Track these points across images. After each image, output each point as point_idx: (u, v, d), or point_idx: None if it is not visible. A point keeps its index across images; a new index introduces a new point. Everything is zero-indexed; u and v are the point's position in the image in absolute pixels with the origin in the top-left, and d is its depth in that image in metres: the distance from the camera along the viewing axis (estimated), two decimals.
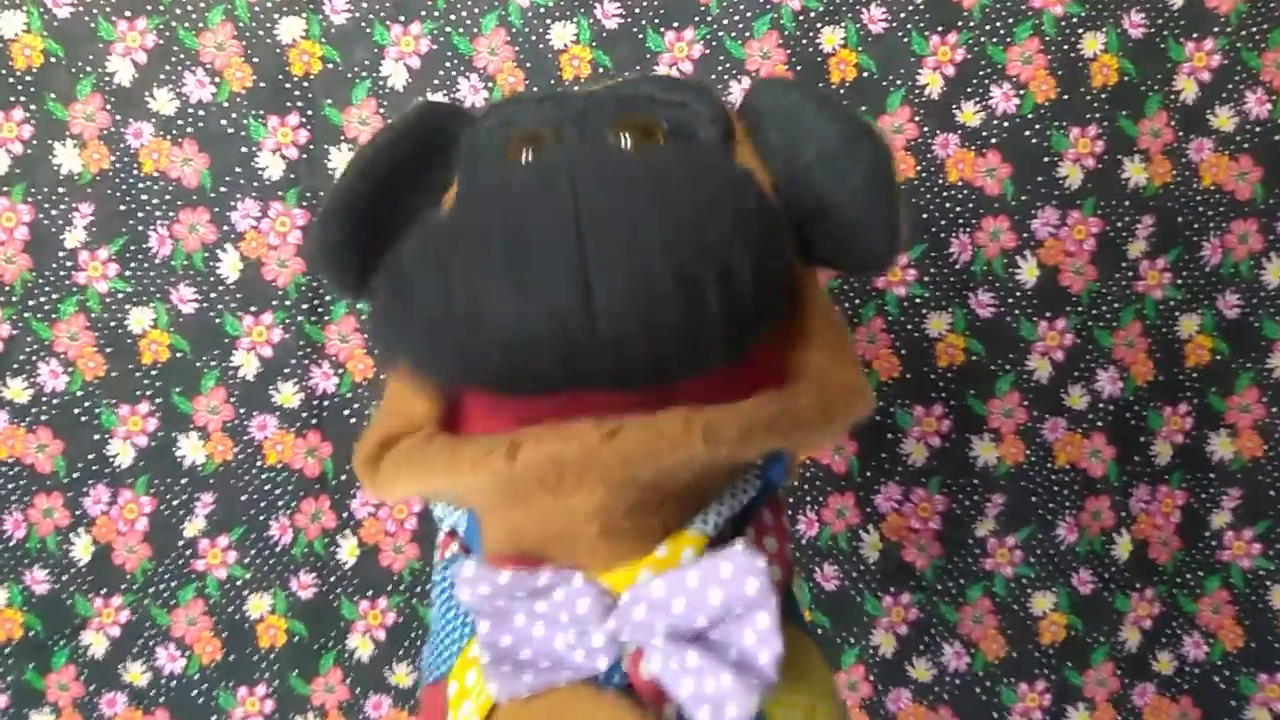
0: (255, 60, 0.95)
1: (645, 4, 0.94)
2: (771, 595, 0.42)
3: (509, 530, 0.47)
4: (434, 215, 0.46)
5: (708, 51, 0.95)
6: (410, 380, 0.48)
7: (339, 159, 0.95)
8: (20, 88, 0.93)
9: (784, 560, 0.51)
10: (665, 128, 0.51)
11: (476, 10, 0.95)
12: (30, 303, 0.95)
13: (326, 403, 0.97)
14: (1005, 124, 0.95)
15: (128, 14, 0.93)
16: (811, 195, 0.50)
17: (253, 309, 0.96)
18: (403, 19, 0.95)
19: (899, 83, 0.95)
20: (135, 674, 0.98)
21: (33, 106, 0.93)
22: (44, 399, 0.95)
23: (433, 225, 0.44)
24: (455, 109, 0.59)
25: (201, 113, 0.95)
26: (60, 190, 0.94)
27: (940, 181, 0.96)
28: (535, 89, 0.95)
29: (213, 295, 0.96)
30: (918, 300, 0.97)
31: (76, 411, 0.95)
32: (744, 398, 0.43)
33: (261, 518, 0.97)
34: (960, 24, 0.94)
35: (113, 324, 0.95)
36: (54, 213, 0.94)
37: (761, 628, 0.42)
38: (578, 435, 0.40)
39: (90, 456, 0.96)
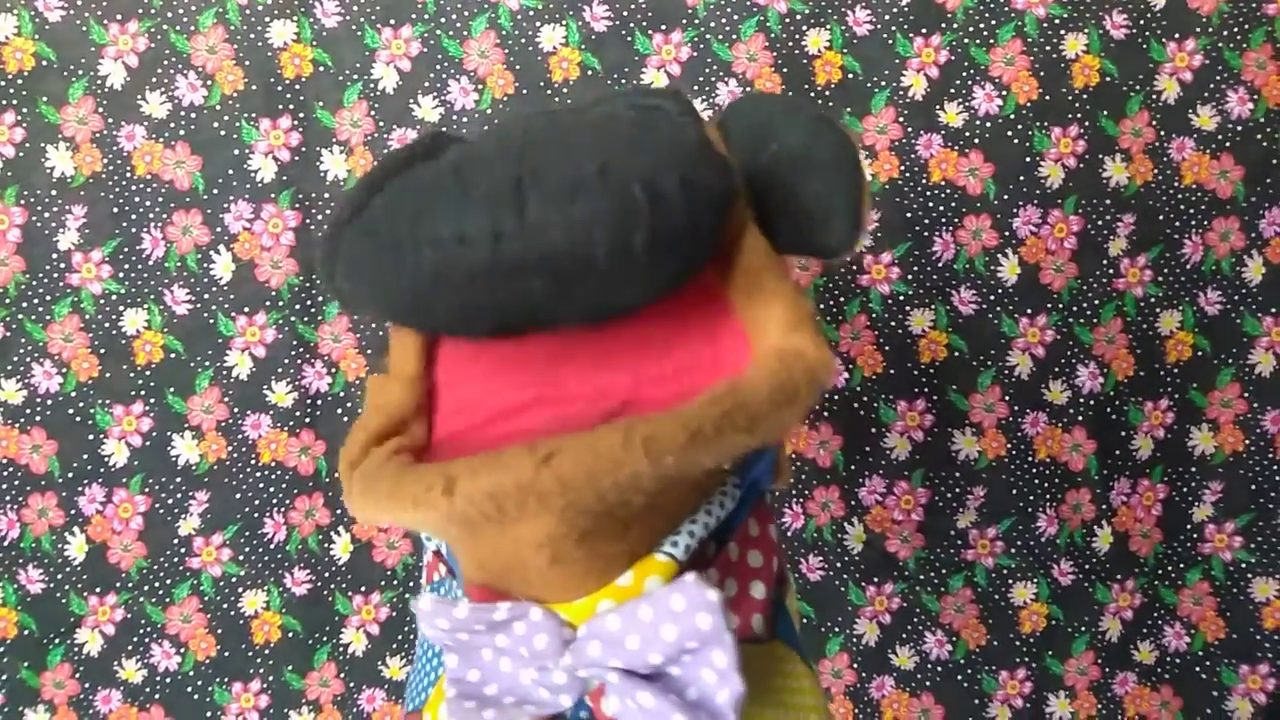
0: (247, 63, 0.86)
1: (633, 7, 0.86)
2: (727, 631, 0.36)
3: (473, 559, 0.41)
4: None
5: (695, 54, 0.86)
6: (395, 352, 0.45)
7: (331, 161, 0.86)
8: (12, 91, 0.85)
9: (770, 574, 0.44)
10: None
11: (466, 13, 0.86)
12: (24, 304, 0.86)
13: (320, 402, 0.89)
14: (988, 124, 0.87)
15: (119, 17, 0.85)
16: (777, 183, 0.46)
17: (246, 309, 0.88)
18: (393, 22, 0.86)
19: (883, 84, 0.87)
20: (130, 671, 0.89)
21: (25, 110, 0.85)
22: (38, 400, 0.86)
23: (399, 178, 0.41)
24: (463, 139, 0.52)
25: (194, 115, 0.86)
26: (53, 193, 0.86)
27: (924, 181, 0.88)
28: (524, 91, 0.86)
29: (206, 296, 0.87)
30: (901, 297, 0.90)
31: (70, 412, 0.87)
32: (713, 370, 0.39)
33: (256, 515, 0.89)
34: (944, 26, 0.86)
35: (106, 325, 0.87)
36: (47, 215, 0.86)
37: (720, 666, 0.36)
38: (512, 464, 0.34)
39: (85, 456, 0.88)
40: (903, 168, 0.87)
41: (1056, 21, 0.86)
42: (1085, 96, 0.86)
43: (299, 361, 0.88)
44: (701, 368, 0.40)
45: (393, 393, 0.43)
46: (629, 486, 0.35)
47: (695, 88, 0.86)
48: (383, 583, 0.90)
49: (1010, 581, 0.92)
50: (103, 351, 0.87)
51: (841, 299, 0.89)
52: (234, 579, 0.89)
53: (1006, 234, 0.88)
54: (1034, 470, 0.91)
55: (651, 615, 0.36)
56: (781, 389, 0.37)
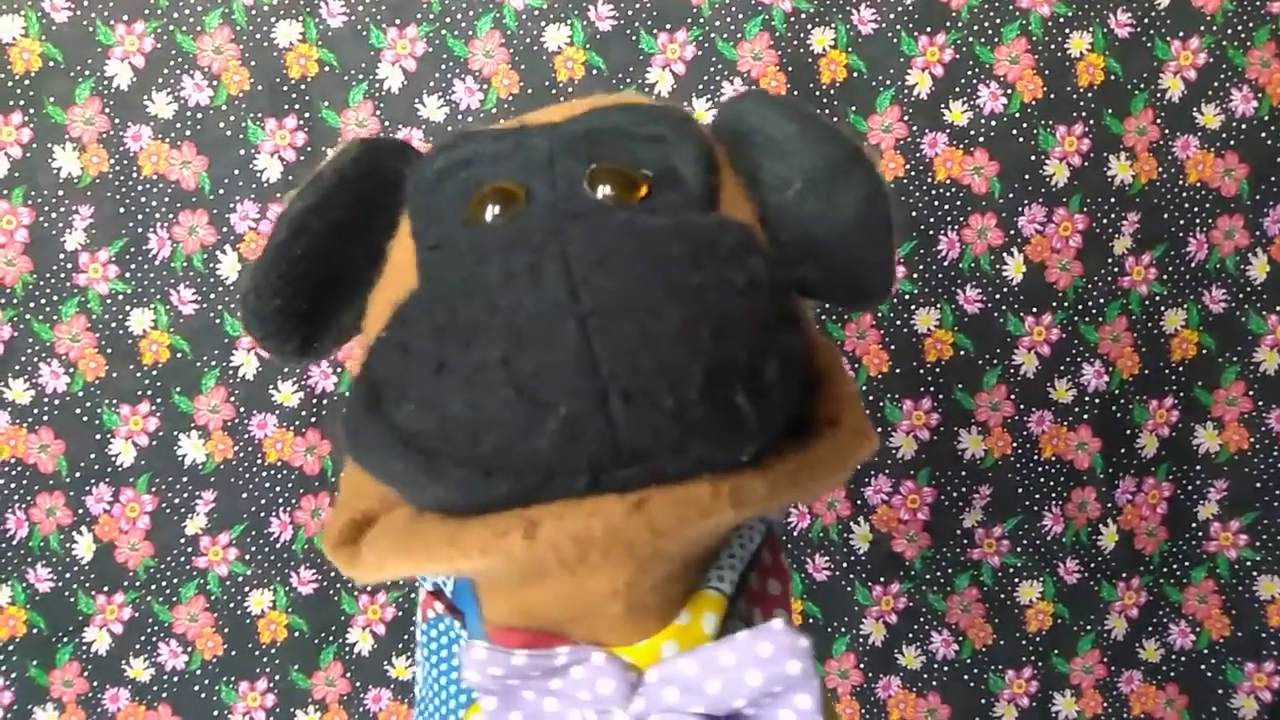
0: (253, 63, 0.87)
1: (638, 6, 0.87)
2: (814, 676, 0.36)
3: (519, 607, 0.39)
4: (404, 303, 0.36)
5: (700, 53, 0.88)
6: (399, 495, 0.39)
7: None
8: (19, 91, 0.86)
9: (788, 601, 0.45)
10: (647, 176, 0.41)
11: (471, 13, 0.87)
12: (31, 304, 0.88)
13: (325, 401, 0.90)
14: (993, 123, 0.88)
15: (125, 18, 0.86)
16: (800, 229, 0.42)
17: None
18: (398, 22, 0.87)
19: (888, 83, 0.88)
20: (138, 670, 0.91)
21: (31, 110, 0.86)
22: (45, 399, 0.88)
23: (408, 316, 0.35)
24: (395, 145, 0.48)
25: (200, 116, 0.87)
26: (60, 193, 0.87)
27: (929, 180, 0.89)
28: (529, 91, 0.86)
29: (212, 296, 0.89)
30: (906, 296, 0.91)
31: (78, 412, 0.88)
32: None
33: (262, 515, 0.91)
34: (949, 24, 0.87)
35: (113, 325, 0.88)
36: (54, 215, 0.87)
37: (802, 708, 0.36)
38: (601, 510, 0.33)
39: (92, 456, 0.89)
40: (908, 166, 0.88)
41: (1061, 20, 0.86)
42: (1090, 95, 0.87)
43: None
44: None
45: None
46: (709, 533, 0.35)
47: (700, 87, 0.87)
48: (389, 583, 0.91)
49: (1016, 580, 0.93)
50: (109, 351, 0.88)
51: None
52: (240, 578, 0.90)
53: (1011, 233, 0.89)
54: (1040, 469, 0.92)
55: (734, 660, 0.36)
56: (838, 456, 0.38)
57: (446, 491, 0.34)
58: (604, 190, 0.40)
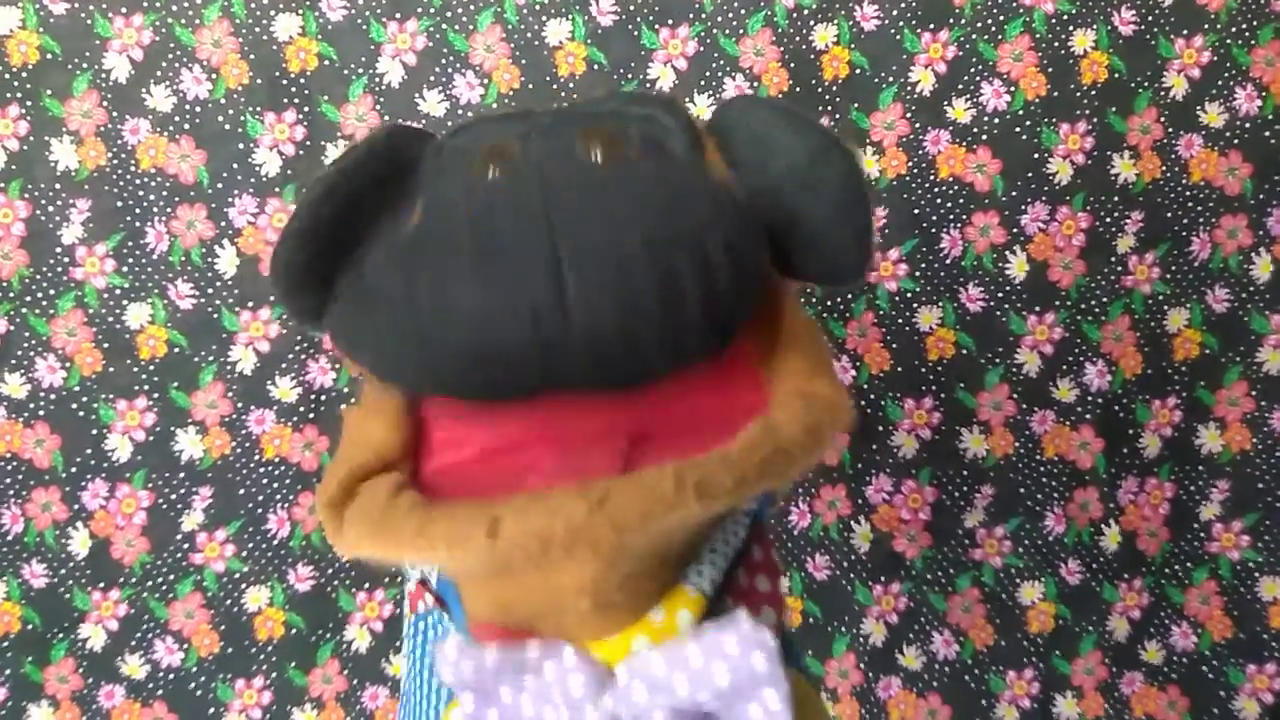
0: (252, 57, 0.87)
1: (640, 1, 0.88)
2: (781, 670, 0.36)
3: (493, 601, 0.40)
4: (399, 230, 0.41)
5: (702, 49, 0.88)
6: (376, 388, 0.42)
7: (336, 155, 0.86)
8: (16, 84, 0.86)
9: (777, 599, 0.45)
10: (635, 138, 0.45)
11: (472, 7, 0.88)
12: (28, 298, 0.88)
13: (323, 397, 0.90)
14: (996, 120, 0.88)
15: (124, 10, 0.86)
16: (781, 208, 0.45)
17: (250, 304, 0.89)
18: (399, 16, 0.88)
19: (891, 80, 0.88)
20: (134, 667, 0.90)
21: (29, 103, 0.86)
22: (42, 394, 0.88)
23: (399, 234, 0.40)
24: (422, 132, 0.51)
25: (198, 109, 0.87)
26: (57, 186, 0.87)
27: (931, 177, 0.89)
28: (530, 86, 0.87)
29: (210, 291, 0.89)
30: (908, 294, 0.91)
31: (74, 406, 0.88)
32: (726, 409, 0.39)
33: (259, 511, 0.91)
34: (952, 21, 0.88)
35: (110, 319, 0.88)
36: (51, 209, 0.87)
37: (772, 707, 0.36)
38: (563, 508, 0.34)
39: (88, 451, 0.89)
40: (910, 164, 0.89)
41: (1065, 17, 0.87)
42: (1093, 93, 0.87)
43: (303, 357, 0.89)
44: (714, 407, 0.41)
45: (375, 430, 0.42)
46: (677, 528, 0.36)
47: (702, 83, 0.87)
48: (386, 579, 0.91)
49: (1018, 581, 0.93)
50: (106, 346, 0.88)
51: (848, 296, 0.90)
52: (237, 575, 0.90)
53: (1014, 231, 0.89)
54: (1042, 469, 0.92)
55: (701, 656, 0.36)
56: (810, 433, 0.39)
57: (410, 371, 0.38)
58: (595, 150, 0.43)
